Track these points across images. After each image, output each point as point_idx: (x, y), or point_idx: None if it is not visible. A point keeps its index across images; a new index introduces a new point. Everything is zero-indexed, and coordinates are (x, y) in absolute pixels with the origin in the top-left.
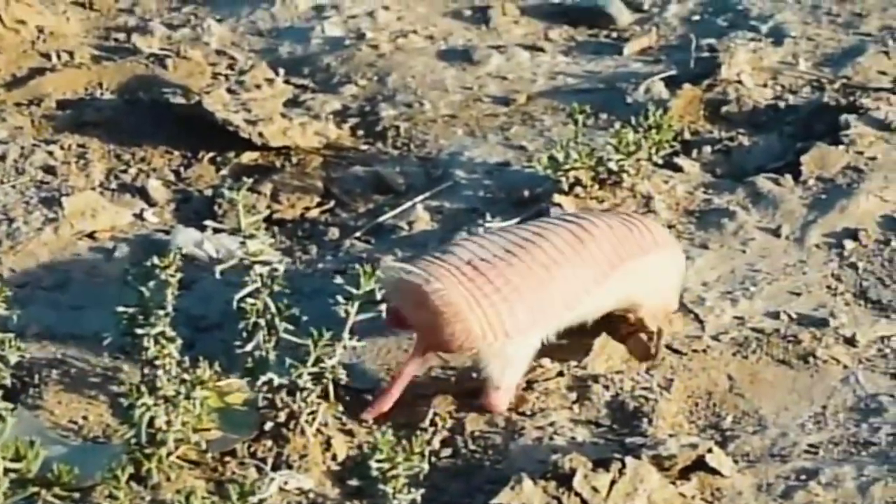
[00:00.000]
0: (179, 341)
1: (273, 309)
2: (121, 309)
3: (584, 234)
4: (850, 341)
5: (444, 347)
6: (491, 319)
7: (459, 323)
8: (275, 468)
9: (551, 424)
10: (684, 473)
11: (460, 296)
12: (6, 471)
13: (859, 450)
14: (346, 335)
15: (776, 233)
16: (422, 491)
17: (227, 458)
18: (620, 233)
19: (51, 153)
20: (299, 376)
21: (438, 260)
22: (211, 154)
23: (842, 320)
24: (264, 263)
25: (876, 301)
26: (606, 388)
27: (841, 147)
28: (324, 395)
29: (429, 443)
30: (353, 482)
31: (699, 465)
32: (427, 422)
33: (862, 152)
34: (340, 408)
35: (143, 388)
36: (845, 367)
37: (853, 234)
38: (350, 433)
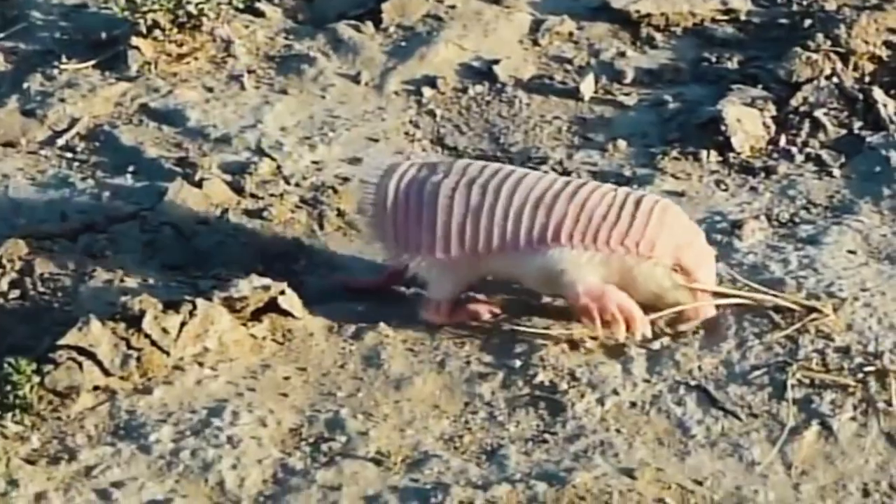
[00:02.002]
0: None
1: None
2: None
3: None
4: None
5: None
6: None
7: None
8: None
9: (122, 267)
10: (256, 315)
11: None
12: None
13: None
14: None
15: (356, 79)
16: None
17: None
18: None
19: None
20: None
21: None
22: None
23: None
24: None
25: (452, 147)
26: (178, 230)
27: None
28: None
29: None
30: None
31: (271, 307)
32: None
33: (442, 1)
34: None
35: None
36: None
37: (432, 82)
38: None
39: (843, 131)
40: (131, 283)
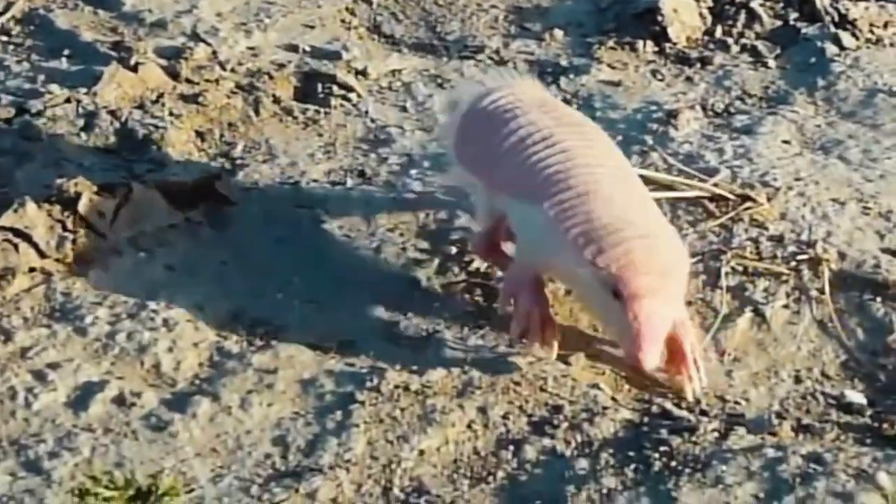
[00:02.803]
0: None
1: None
2: None
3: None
4: (363, 73)
5: None
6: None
7: None
8: None
9: (58, 150)
10: (192, 200)
11: None
12: None
13: (367, 180)
14: None
15: None
16: None
17: None
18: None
19: None
20: None
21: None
22: None
23: (354, 53)
24: None
25: (389, 35)
26: (115, 115)
27: None
28: None
29: None
30: None
31: (207, 192)
32: None
33: None
34: None
35: None
36: (358, 98)
37: None
38: None
39: (779, 22)
40: (67, 166)
